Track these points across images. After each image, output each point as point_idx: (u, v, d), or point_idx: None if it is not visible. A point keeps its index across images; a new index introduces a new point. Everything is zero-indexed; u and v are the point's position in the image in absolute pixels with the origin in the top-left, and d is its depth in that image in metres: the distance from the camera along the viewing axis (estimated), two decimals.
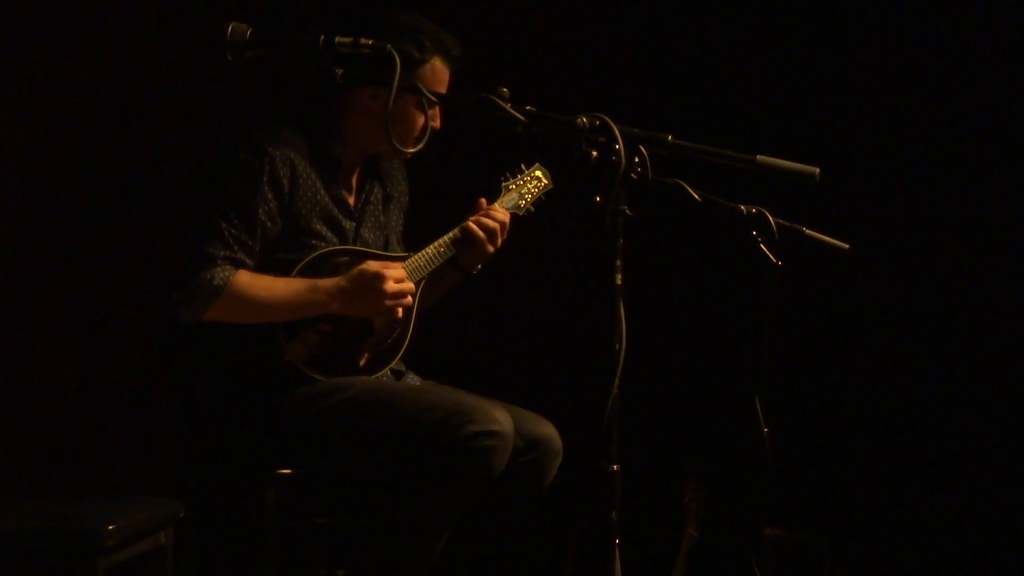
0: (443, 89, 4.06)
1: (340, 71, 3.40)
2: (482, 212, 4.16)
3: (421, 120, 4.02)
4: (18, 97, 5.33)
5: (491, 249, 4.16)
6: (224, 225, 3.87)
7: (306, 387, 3.93)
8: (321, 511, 4.48)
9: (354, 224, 4.12)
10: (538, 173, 4.36)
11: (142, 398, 5.37)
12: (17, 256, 5.34)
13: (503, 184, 4.30)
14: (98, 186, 5.43)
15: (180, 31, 5.46)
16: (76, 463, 5.36)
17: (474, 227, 4.13)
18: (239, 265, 3.88)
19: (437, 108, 4.02)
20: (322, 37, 3.29)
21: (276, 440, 3.93)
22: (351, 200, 4.14)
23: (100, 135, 5.43)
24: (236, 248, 3.88)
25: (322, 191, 4.04)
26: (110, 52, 5.43)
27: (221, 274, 3.84)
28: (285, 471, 3.97)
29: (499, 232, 4.16)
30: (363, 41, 3.29)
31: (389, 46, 3.26)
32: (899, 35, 5.85)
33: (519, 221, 4.28)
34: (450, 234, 4.14)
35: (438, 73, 4.05)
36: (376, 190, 4.22)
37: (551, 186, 4.37)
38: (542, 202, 4.35)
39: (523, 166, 4.34)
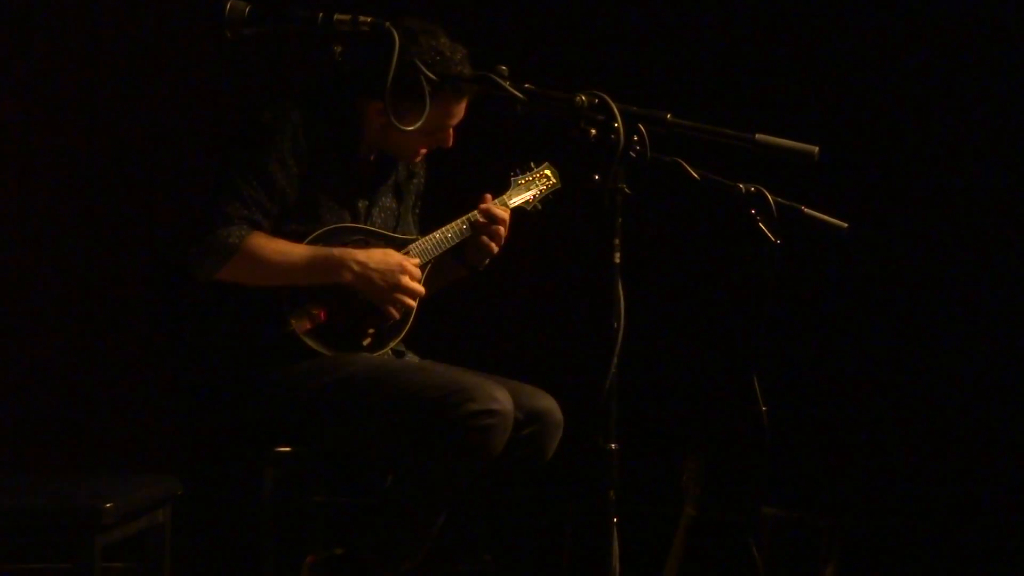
0: (452, 121, 4.08)
1: (339, 48, 3.39)
2: (486, 207, 4.18)
3: (422, 143, 4.05)
4: (14, 83, 5.33)
5: (495, 246, 4.19)
6: (243, 185, 3.90)
7: (307, 361, 3.94)
8: (319, 489, 4.48)
9: (367, 203, 4.13)
10: (547, 172, 4.42)
11: (141, 376, 5.37)
12: (16, 236, 5.34)
13: (512, 179, 4.35)
14: (95, 169, 5.43)
15: (179, 11, 5.46)
16: (74, 441, 5.37)
17: (480, 219, 4.17)
18: (255, 226, 3.90)
19: (451, 130, 4.08)
20: (320, 14, 3.27)
21: (275, 415, 3.93)
22: (366, 180, 4.15)
23: (99, 118, 5.43)
24: (253, 208, 3.90)
25: (339, 167, 4.05)
26: (109, 33, 5.43)
27: (237, 232, 3.86)
28: (283, 449, 3.97)
29: (501, 229, 4.19)
30: (362, 19, 3.28)
31: (388, 24, 3.25)
32: (897, 13, 5.84)
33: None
34: (457, 222, 4.16)
35: (447, 103, 4.04)
36: (391, 174, 4.23)
37: (559, 186, 4.42)
38: (550, 201, 4.38)
39: (532, 163, 4.39)
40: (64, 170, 5.39)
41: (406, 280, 3.97)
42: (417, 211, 4.36)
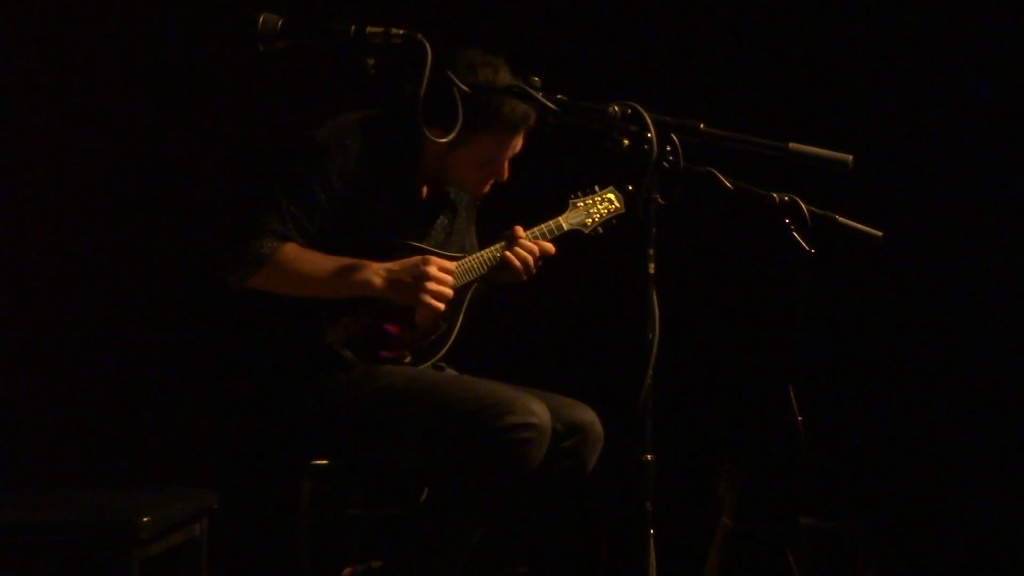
0: (506, 154, 4.08)
1: (372, 61, 3.39)
2: (518, 241, 4.17)
3: (477, 174, 4.04)
4: (51, 86, 5.35)
5: (525, 277, 4.17)
6: (285, 201, 3.89)
7: (343, 374, 3.93)
8: (356, 502, 4.48)
9: (418, 232, 4.12)
10: (611, 196, 4.39)
11: (177, 389, 5.38)
12: (53, 245, 5.35)
13: (571, 200, 4.33)
14: (133, 181, 5.45)
15: (212, 22, 5.47)
16: (111, 454, 5.38)
17: (511, 256, 4.14)
18: (288, 240, 3.88)
19: (507, 163, 4.08)
20: (353, 27, 3.28)
21: (312, 427, 3.93)
22: (419, 211, 4.15)
23: (135, 130, 5.44)
24: (291, 225, 3.89)
25: (392, 199, 4.04)
26: (142, 43, 5.44)
27: (270, 244, 3.85)
28: (320, 462, 3.97)
29: (530, 259, 4.16)
30: (394, 31, 3.28)
31: (420, 36, 3.25)
32: (932, 21, 5.82)
33: (551, 204, 4.32)
34: (494, 248, 4.16)
35: (501, 136, 4.05)
36: (446, 209, 4.22)
37: (623, 211, 4.39)
38: (612, 226, 4.37)
39: (596, 187, 4.37)
40: (102, 182, 5.40)
41: (433, 270, 3.93)
42: (472, 228, 4.36)
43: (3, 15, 5.25)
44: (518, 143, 4.09)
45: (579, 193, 4.35)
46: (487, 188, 4.19)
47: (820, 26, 5.97)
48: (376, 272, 3.93)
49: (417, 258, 3.97)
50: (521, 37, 4.15)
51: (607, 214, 4.37)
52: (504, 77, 3.96)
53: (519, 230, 4.19)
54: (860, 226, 3.60)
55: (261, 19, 3.31)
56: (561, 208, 4.31)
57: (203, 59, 5.50)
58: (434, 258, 3.97)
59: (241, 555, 5.25)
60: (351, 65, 3.58)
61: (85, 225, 5.38)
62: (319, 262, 3.90)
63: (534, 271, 4.18)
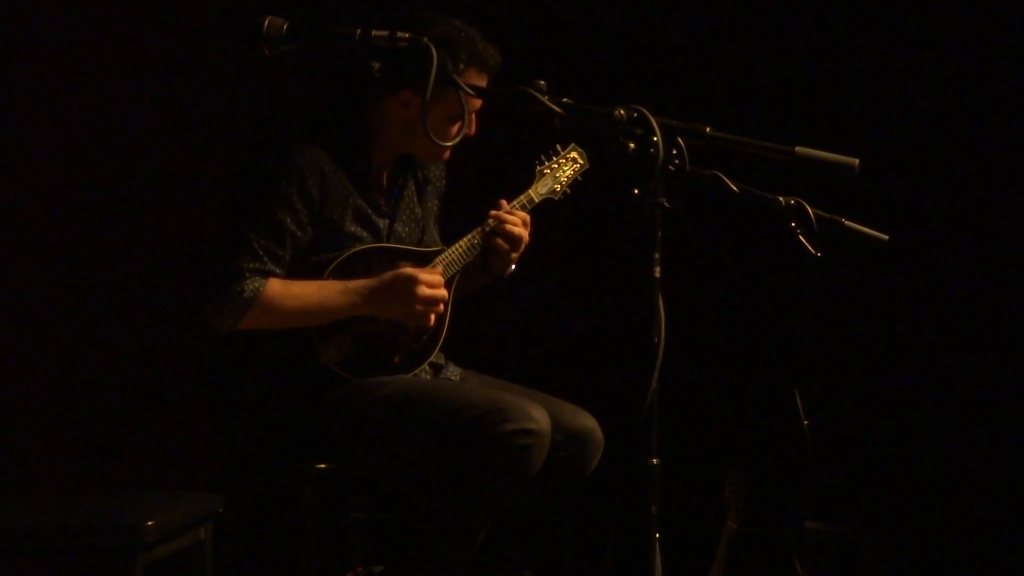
0: (477, 101, 4.02)
1: (377, 65, 3.39)
2: (496, 214, 4.14)
3: (454, 129, 3.98)
4: (51, 98, 5.34)
5: (513, 253, 4.14)
6: (253, 236, 3.87)
7: (340, 389, 3.94)
8: (359, 506, 4.48)
9: (388, 221, 4.11)
10: (574, 154, 4.30)
11: (181, 394, 5.38)
12: (58, 253, 5.35)
13: (537, 168, 4.25)
14: (134, 184, 5.44)
15: (216, 26, 5.47)
16: (115, 459, 5.37)
17: (492, 226, 4.11)
18: (269, 275, 3.87)
19: (473, 115, 4.00)
20: (359, 31, 3.27)
21: (313, 437, 3.93)
22: (383, 198, 4.12)
23: (141, 131, 5.44)
24: (266, 259, 3.88)
25: (353, 193, 4.02)
26: (145, 49, 5.44)
27: (251, 286, 3.84)
28: (323, 466, 3.97)
29: (515, 230, 4.12)
30: (400, 35, 3.28)
31: (426, 39, 3.25)
32: (938, 25, 5.82)
33: (557, 208, 4.27)
34: (475, 231, 4.11)
35: (471, 80, 4.01)
36: (409, 183, 4.20)
37: (588, 166, 4.31)
38: (579, 183, 4.30)
39: (558, 147, 4.27)
40: (105, 185, 5.40)
41: (422, 289, 3.92)
42: (437, 212, 4.30)
43: (6, 16, 5.25)
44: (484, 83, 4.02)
45: (543, 158, 4.26)
46: (448, 152, 4.14)
47: (826, 29, 5.96)
48: (361, 293, 3.92)
49: (404, 275, 3.94)
50: (526, 40, 4.15)
51: (573, 174, 4.29)
52: (455, 26, 3.96)
53: (503, 203, 4.16)
54: (866, 229, 3.59)
55: (266, 22, 3.31)
56: (529, 179, 4.24)
57: (208, 62, 5.49)
58: (422, 275, 3.94)
59: (245, 559, 5.25)
60: (356, 68, 3.59)
61: (89, 231, 5.38)
62: (304, 294, 3.90)
63: (526, 240, 4.15)
